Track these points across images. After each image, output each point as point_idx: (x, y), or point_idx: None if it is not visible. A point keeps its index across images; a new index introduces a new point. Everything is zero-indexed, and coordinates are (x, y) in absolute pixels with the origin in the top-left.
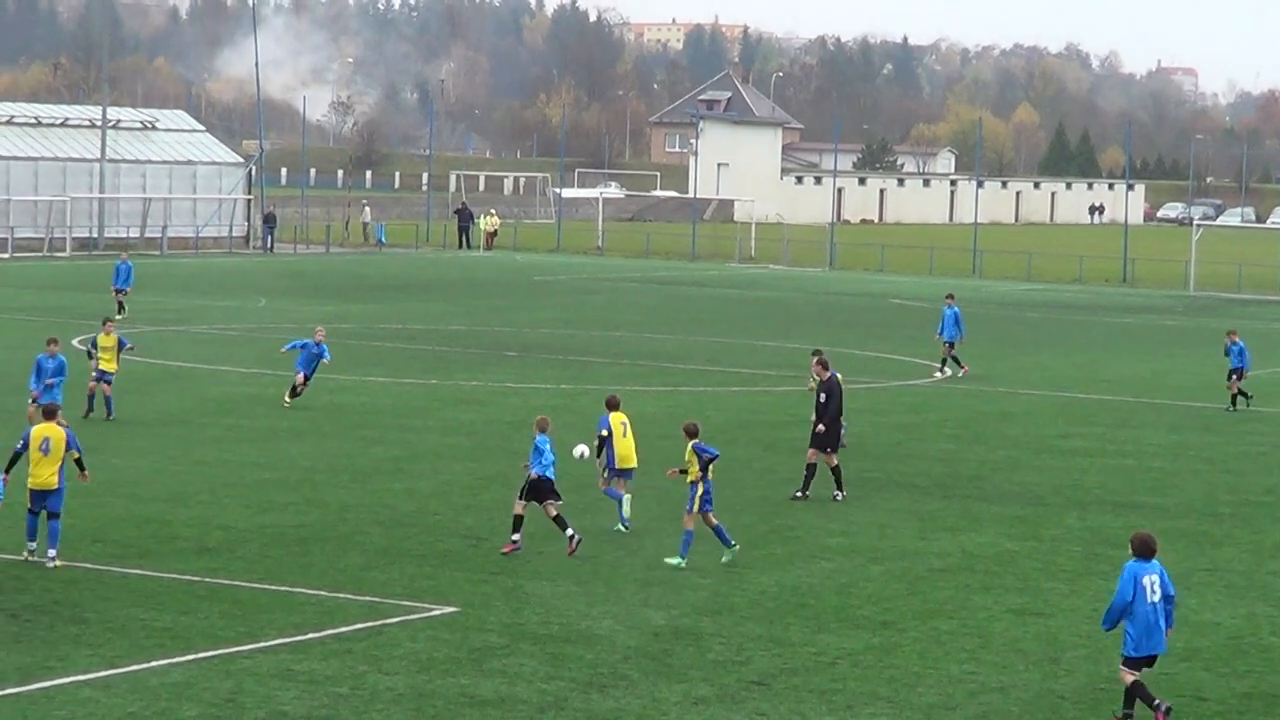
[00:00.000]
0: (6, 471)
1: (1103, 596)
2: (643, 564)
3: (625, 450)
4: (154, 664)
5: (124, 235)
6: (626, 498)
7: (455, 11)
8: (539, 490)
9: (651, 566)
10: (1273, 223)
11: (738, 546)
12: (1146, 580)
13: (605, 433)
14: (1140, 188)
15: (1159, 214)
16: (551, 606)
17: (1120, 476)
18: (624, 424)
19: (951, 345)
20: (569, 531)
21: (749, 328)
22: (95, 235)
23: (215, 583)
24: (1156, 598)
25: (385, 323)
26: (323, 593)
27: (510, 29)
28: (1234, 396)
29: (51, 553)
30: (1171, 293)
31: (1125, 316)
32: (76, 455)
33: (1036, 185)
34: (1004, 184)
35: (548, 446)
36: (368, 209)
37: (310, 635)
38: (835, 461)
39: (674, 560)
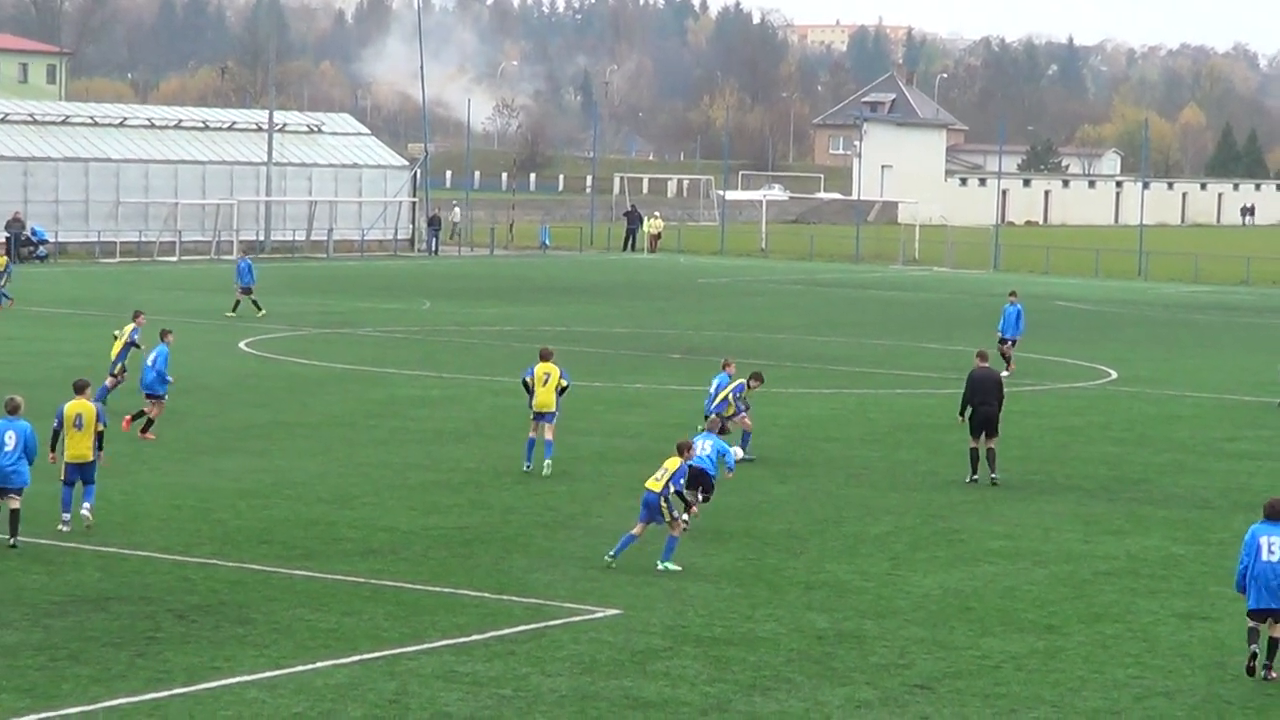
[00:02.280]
0: (52, 449)
1: None
2: (805, 567)
3: (544, 398)
4: (319, 665)
5: (290, 238)
6: (548, 439)
7: (619, 13)
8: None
9: (815, 570)
10: None
11: (614, 561)
12: (1264, 540)
13: (529, 378)
14: None
15: None
16: (714, 608)
17: None
18: (547, 375)
19: (1013, 343)
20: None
21: (913, 330)
22: (262, 238)
23: (380, 584)
24: (1275, 557)
25: (549, 325)
26: (486, 594)
27: (674, 30)
28: None
29: (86, 504)
30: None
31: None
32: (101, 429)
33: (1203, 186)
34: (1170, 185)
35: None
36: (457, 209)
37: (474, 637)
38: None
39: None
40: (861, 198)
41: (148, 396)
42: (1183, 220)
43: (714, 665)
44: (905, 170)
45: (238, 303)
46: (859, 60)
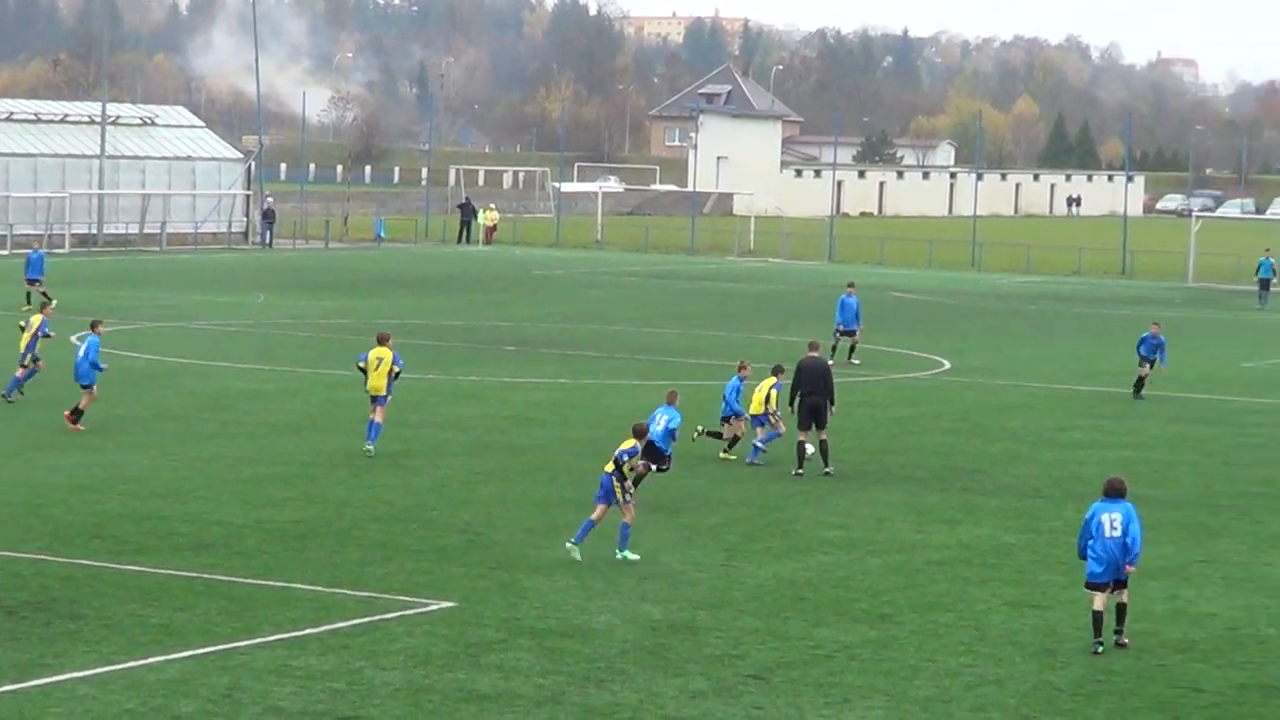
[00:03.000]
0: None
1: None
2: (641, 558)
3: (376, 382)
4: (151, 660)
5: (123, 231)
6: (378, 421)
7: (455, 5)
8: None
9: (649, 561)
10: (1272, 214)
11: (577, 549)
12: (1105, 517)
13: (362, 364)
14: (1140, 179)
15: (1158, 205)
16: (548, 601)
17: (1119, 468)
18: (380, 359)
19: (851, 334)
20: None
21: (748, 321)
22: (94, 231)
23: (212, 579)
24: (1117, 533)
25: (384, 318)
26: (320, 588)
27: (510, 23)
28: (1140, 381)
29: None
30: (1171, 284)
31: (1124, 308)
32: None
33: (1036, 178)
34: (1003, 176)
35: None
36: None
37: (307, 631)
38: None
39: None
40: (697, 189)
41: (82, 386)
42: (1016, 211)
43: (548, 657)
44: (741, 162)
45: (29, 295)
46: (695, 52)
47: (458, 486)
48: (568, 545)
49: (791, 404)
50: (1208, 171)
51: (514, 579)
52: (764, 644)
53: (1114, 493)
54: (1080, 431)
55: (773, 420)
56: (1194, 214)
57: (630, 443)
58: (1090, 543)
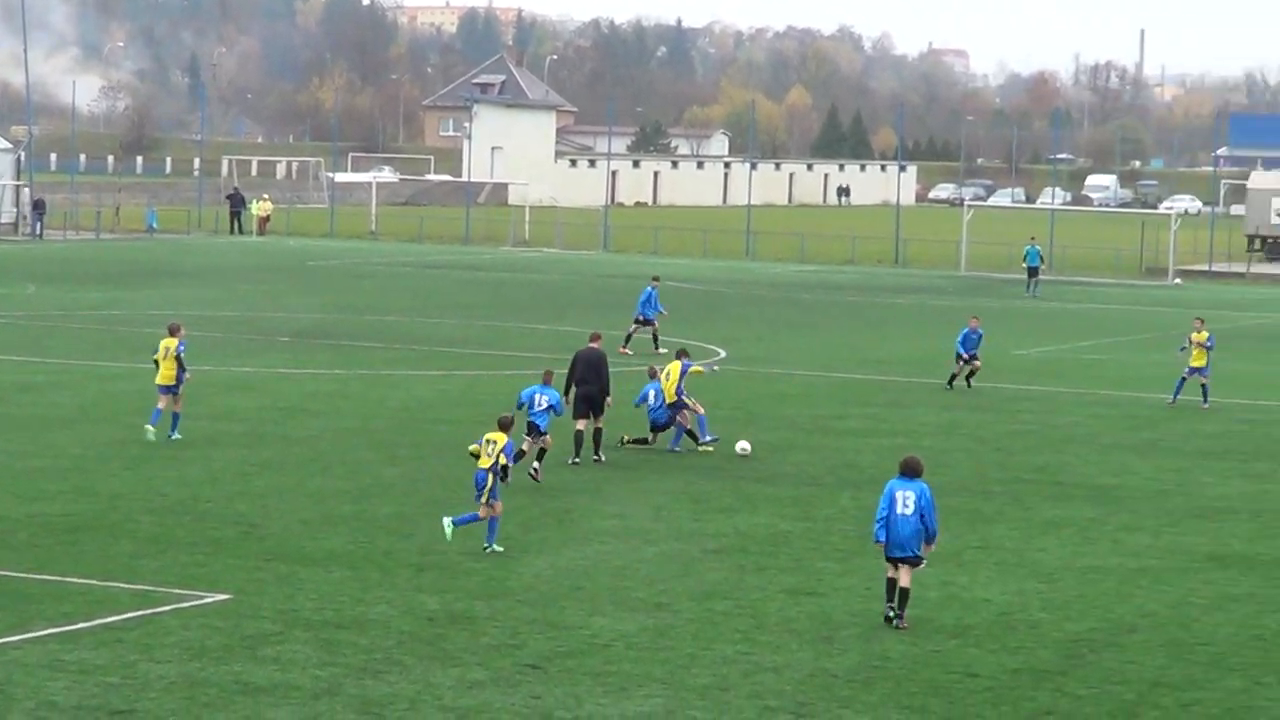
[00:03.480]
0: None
1: (875, 575)
2: (417, 549)
3: (165, 371)
4: None
5: None
6: (163, 408)
7: None
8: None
9: (426, 552)
10: (1043, 203)
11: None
12: (899, 494)
13: (156, 355)
14: (912, 169)
15: (930, 195)
16: (325, 592)
17: (893, 456)
18: (168, 349)
19: (650, 323)
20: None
21: (524, 311)
22: None
23: None
24: (910, 510)
25: (157, 309)
26: (93, 582)
27: (283, 12)
28: (964, 377)
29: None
30: (943, 273)
31: (898, 297)
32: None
33: (810, 167)
34: (777, 166)
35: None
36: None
37: (80, 625)
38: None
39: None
40: (472, 179)
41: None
42: (790, 200)
43: (325, 649)
44: (515, 152)
45: None
46: (469, 42)
47: (233, 478)
48: (486, 549)
49: (566, 394)
50: (979, 161)
51: (290, 571)
52: (541, 634)
53: (909, 472)
54: (855, 420)
55: (690, 403)
56: (966, 203)
57: (502, 438)
58: (883, 518)
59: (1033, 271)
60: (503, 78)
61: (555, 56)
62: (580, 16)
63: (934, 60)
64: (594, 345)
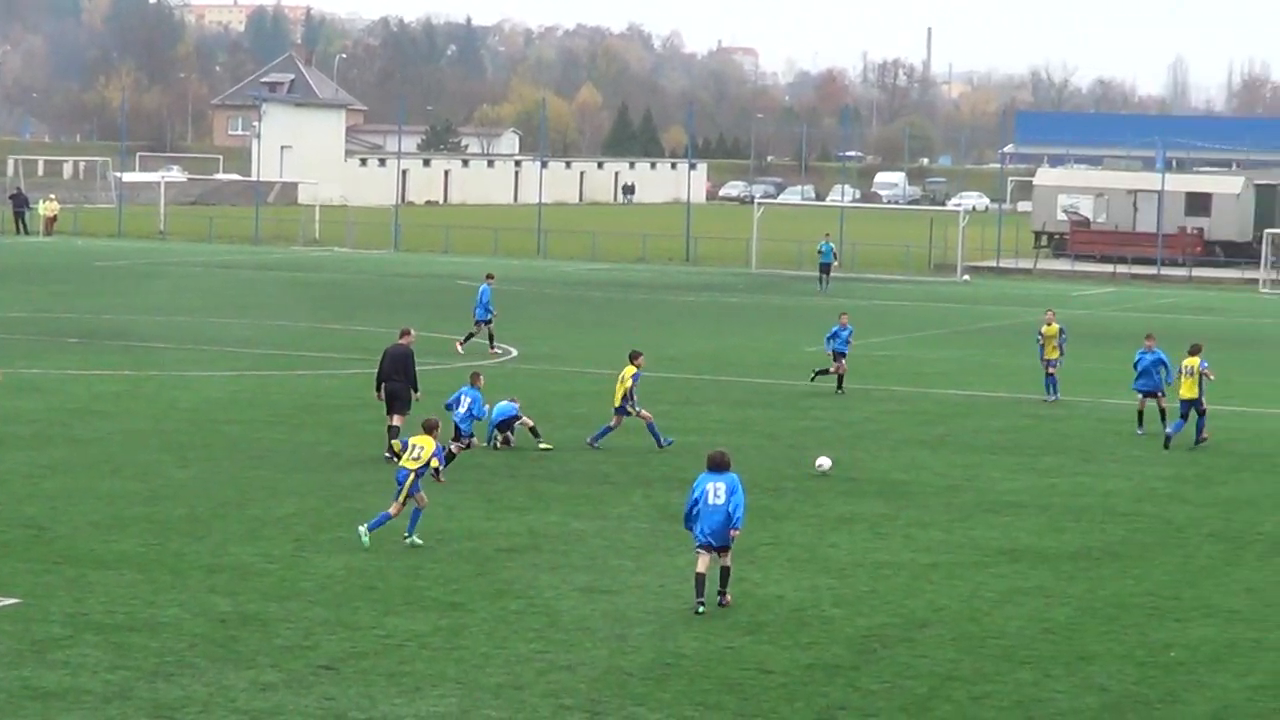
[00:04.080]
0: None
1: (669, 573)
2: (209, 551)
3: None
4: None
5: None
6: None
7: None
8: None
9: (218, 553)
10: (832, 200)
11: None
12: (710, 486)
13: None
14: (703, 166)
15: (721, 192)
16: (115, 595)
17: (685, 453)
18: None
19: (487, 322)
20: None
21: (314, 311)
22: None
23: None
24: (720, 500)
25: None
26: None
27: (69, 10)
28: (839, 378)
29: None
30: (734, 270)
31: (689, 294)
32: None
33: (600, 165)
34: (568, 164)
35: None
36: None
37: None
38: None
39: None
40: (261, 179)
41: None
42: (581, 199)
43: (116, 652)
44: (305, 151)
45: None
46: (258, 40)
47: (20, 481)
48: (406, 540)
49: (377, 390)
50: (769, 159)
51: (80, 574)
52: (335, 634)
53: (717, 466)
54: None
55: (631, 408)
56: (756, 201)
57: (430, 442)
58: (695, 511)
59: (825, 268)
60: (291, 76)
61: (344, 55)
62: (369, 15)
63: (723, 58)
64: (402, 341)
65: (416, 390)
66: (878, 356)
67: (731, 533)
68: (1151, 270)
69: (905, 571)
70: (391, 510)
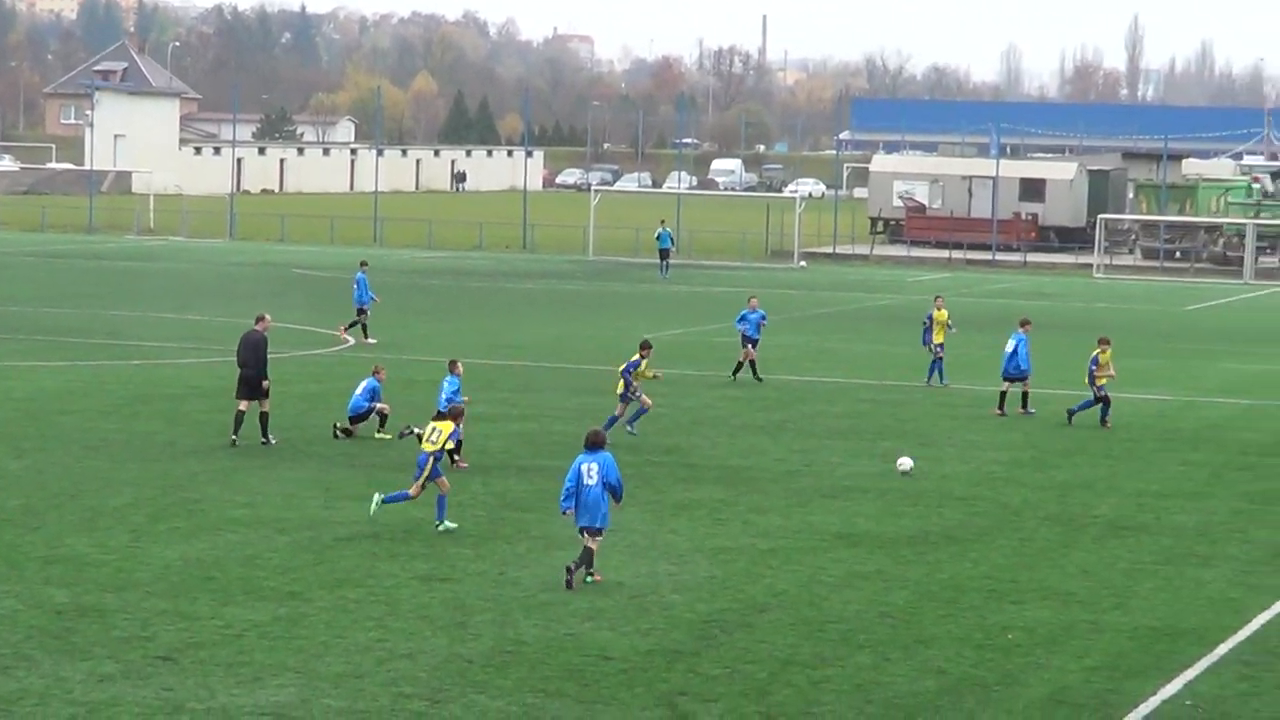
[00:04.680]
0: None
1: (509, 560)
2: (44, 542)
3: None
4: None
5: None
6: None
7: None
8: None
9: (54, 545)
10: (669, 187)
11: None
12: (585, 466)
13: None
14: (539, 154)
15: (558, 180)
16: None
17: (523, 441)
18: None
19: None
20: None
21: (149, 300)
22: None
23: None
24: (594, 480)
25: None
26: None
27: None
28: (749, 367)
29: None
30: (572, 258)
31: (526, 282)
32: None
33: (437, 153)
34: (404, 152)
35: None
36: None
37: None
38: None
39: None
40: (95, 168)
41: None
42: (417, 187)
43: None
44: (139, 140)
45: None
46: (90, 29)
47: None
48: (439, 528)
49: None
50: (605, 146)
51: None
52: (173, 625)
53: (593, 445)
54: (485, 405)
55: (633, 395)
56: (593, 188)
57: (449, 426)
58: (571, 490)
59: (664, 254)
60: (125, 65)
61: (178, 43)
62: (203, 3)
63: (559, 46)
64: (257, 328)
65: (266, 378)
66: (716, 343)
67: (615, 504)
68: (987, 255)
69: (744, 557)
70: (411, 491)
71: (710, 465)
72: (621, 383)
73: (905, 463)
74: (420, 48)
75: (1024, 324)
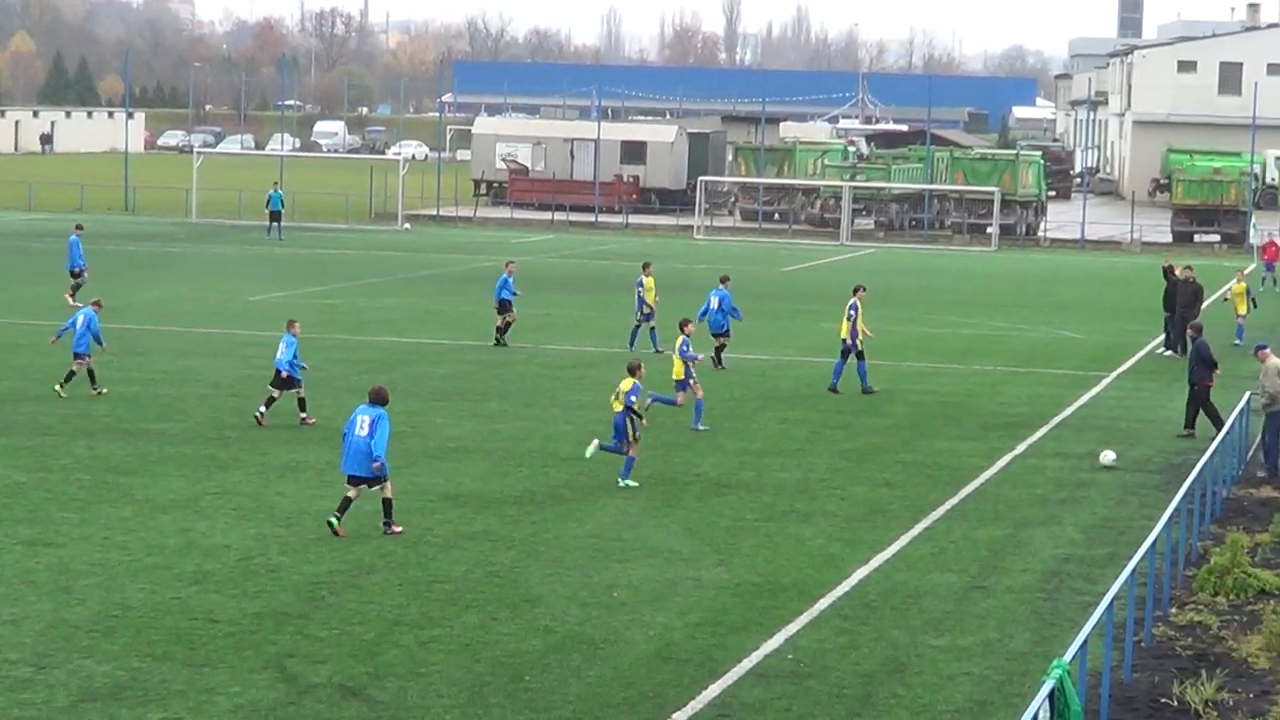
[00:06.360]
0: None
1: (114, 524)
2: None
3: None
4: None
5: None
6: None
7: None
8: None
9: None
10: (272, 149)
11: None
12: (360, 418)
13: None
14: (140, 116)
15: (160, 142)
16: None
17: (127, 404)
18: None
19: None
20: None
21: None
22: None
23: None
24: (364, 432)
25: None
26: None
27: None
28: (498, 333)
29: None
30: (175, 220)
31: (129, 245)
32: None
33: (36, 114)
34: (2, 114)
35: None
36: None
37: None
38: None
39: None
40: None
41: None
42: (16, 149)
43: None
44: None
45: None
46: None
47: None
48: (621, 484)
49: None
50: (208, 108)
51: None
52: None
53: (374, 400)
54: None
55: (692, 385)
56: (196, 150)
57: (630, 382)
58: (346, 438)
59: (275, 215)
60: None
61: None
62: None
63: (160, 7)
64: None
65: None
66: (321, 305)
67: (375, 465)
68: (589, 218)
69: (350, 519)
70: (631, 452)
71: (317, 428)
72: (680, 365)
73: (1108, 455)
74: (18, 7)
75: (724, 280)
